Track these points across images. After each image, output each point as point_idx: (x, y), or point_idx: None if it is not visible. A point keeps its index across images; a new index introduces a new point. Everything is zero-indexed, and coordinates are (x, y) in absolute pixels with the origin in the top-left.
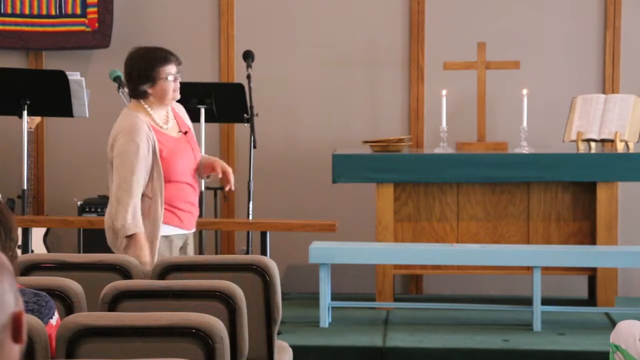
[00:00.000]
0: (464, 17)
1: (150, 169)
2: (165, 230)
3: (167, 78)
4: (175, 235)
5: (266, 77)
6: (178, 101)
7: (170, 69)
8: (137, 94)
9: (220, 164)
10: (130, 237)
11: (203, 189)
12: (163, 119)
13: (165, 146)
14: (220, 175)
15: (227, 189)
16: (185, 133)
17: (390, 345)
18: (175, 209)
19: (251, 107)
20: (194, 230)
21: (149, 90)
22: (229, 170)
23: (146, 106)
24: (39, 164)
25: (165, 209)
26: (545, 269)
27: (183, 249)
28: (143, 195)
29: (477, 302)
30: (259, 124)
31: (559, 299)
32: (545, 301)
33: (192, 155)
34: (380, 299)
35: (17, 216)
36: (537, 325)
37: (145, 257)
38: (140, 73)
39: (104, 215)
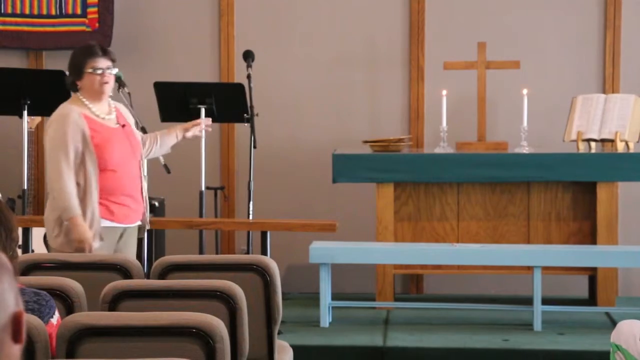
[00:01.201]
0: (464, 17)
1: (82, 157)
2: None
3: (90, 71)
4: (107, 227)
5: (266, 77)
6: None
7: (97, 62)
8: (70, 87)
9: (190, 124)
10: (69, 221)
11: (203, 188)
12: (104, 111)
13: (98, 134)
14: (202, 128)
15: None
16: (124, 126)
17: (390, 345)
18: (106, 200)
19: (251, 107)
20: (135, 225)
21: (78, 83)
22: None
23: (83, 99)
24: (39, 164)
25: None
26: (545, 269)
27: (119, 243)
28: (77, 183)
29: (477, 302)
30: (259, 124)
31: (559, 299)
32: (545, 301)
33: (128, 148)
34: (381, 298)
35: (17, 216)
36: (537, 325)
37: (87, 234)
38: (70, 67)
39: None
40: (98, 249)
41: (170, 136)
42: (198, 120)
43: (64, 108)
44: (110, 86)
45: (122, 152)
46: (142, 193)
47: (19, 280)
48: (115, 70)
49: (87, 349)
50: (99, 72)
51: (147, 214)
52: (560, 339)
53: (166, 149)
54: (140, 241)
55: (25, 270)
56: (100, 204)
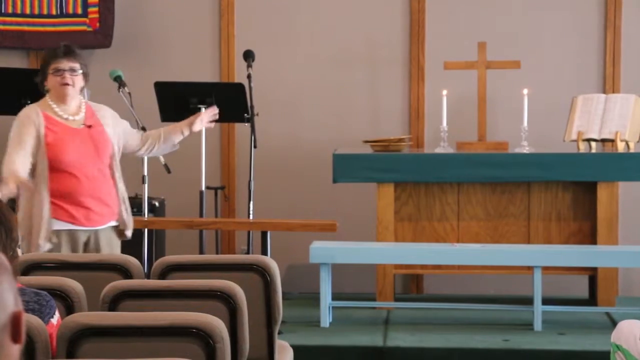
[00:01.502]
0: (464, 17)
1: (35, 156)
2: (54, 224)
3: (53, 72)
4: (68, 230)
5: (267, 77)
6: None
7: (59, 64)
8: (40, 88)
9: (194, 117)
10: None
11: (203, 188)
12: (71, 112)
13: (54, 133)
14: (207, 118)
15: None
16: (90, 127)
17: (390, 345)
18: (65, 202)
19: (252, 106)
20: (105, 226)
21: (45, 84)
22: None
23: (49, 99)
24: None
25: (52, 202)
26: (545, 269)
27: (91, 246)
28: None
29: (477, 302)
30: (259, 124)
31: (560, 299)
32: (545, 301)
33: (91, 149)
34: (381, 298)
35: (17, 216)
36: (537, 325)
37: (10, 171)
38: (40, 69)
39: None
40: (57, 251)
41: (176, 133)
42: (201, 112)
43: (26, 108)
44: (72, 88)
45: (81, 153)
46: (117, 194)
47: (19, 280)
48: (80, 72)
49: (87, 349)
50: (60, 73)
51: (126, 215)
52: (561, 339)
53: (171, 145)
54: (140, 241)
55: (26, 270)
56: (60, 206)
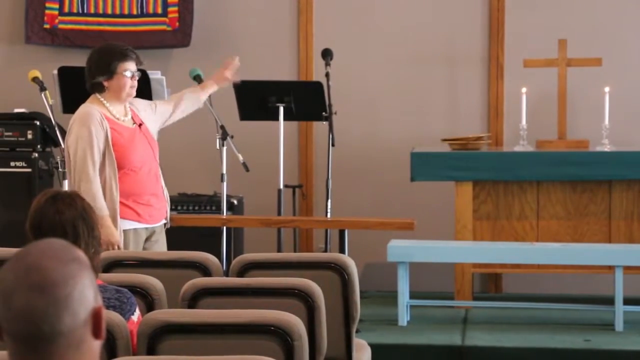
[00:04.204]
0: (544, 14)
1: (102, 157)
2: (124, 225)
3: (123, 73)
4: (134, 229)
5: (345, 75)
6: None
7: (129, 65)
8: (94, 87)
9: (220, 72)
10: None
11: (281, 186)
12: (122, 113)
13: (120, 135)
14: (229, 71)
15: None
16: (140, 125)
17: (469, 344)
18: (131, 202)
19: (330, 105)
20: (160, 223)
21: (105, 83)
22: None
23: (102, 99)
24: None
25: (120, 202)
26: (627, 269)
27: (148, 243)
28: None
29: (557, 302)
30: (337, 122)
31: None
32: (627, 301)
33: (148, 147)
34: (459, 297)
35: None
36: (619, 325)
37: (115, 237)
38: (99, 66)
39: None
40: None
41: (203, 89)
42: (224, 68)
43: (86, 107)
44: (135, 90)
45: (143, 151)
46: (163, 190)
47: (101, 277)
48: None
49: (167, 346)
50: (130, 74)
51: (169, 211)
52: None
53: (197, 102)
54: (219, 239)
55: (107, 268)
56: (127, 205)
